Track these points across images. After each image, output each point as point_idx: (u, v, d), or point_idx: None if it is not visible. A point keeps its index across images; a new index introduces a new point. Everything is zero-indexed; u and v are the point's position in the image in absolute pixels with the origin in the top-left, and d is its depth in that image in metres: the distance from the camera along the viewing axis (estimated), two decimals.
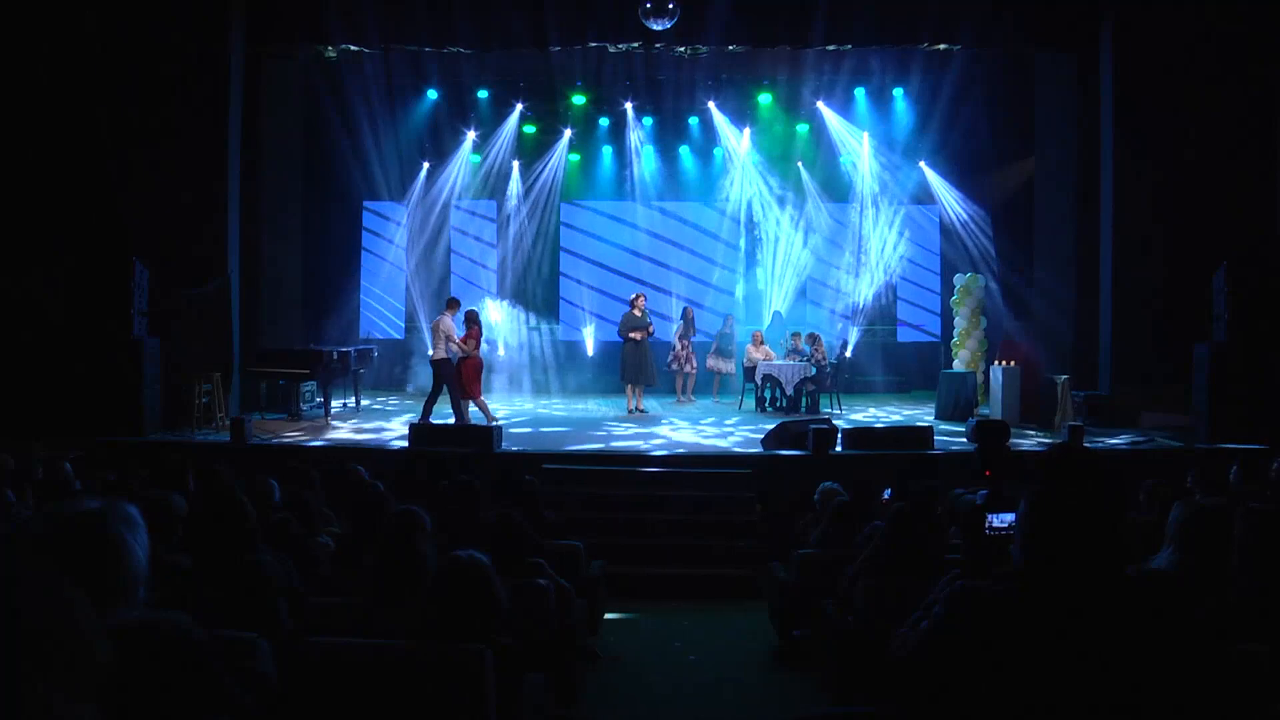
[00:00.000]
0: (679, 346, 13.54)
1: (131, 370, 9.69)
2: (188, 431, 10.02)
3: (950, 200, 15.14)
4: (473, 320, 10.83)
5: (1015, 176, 14.24)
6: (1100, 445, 9.61)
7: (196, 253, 10.98)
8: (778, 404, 12.84)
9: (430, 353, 10.94)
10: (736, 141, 15.64)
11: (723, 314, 14.89)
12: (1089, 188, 12.37)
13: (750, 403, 13.09)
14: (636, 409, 12.32)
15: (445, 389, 10.64)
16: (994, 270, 14.14)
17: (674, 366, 13.59)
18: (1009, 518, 3.24)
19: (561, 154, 15.98)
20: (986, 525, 3.34)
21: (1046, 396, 11.41)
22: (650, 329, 12.55)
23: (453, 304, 11.08)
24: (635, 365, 12.26)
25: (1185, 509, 3.07)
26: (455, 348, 10.66)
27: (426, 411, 10.57)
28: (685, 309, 14.00)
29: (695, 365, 13.67)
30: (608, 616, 6.11)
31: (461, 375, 10.63)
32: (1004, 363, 11.64)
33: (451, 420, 10.49)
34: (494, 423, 10.24)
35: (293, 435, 10.17)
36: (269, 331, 12.99)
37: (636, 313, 12.39)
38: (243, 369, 11.52)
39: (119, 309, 9.79)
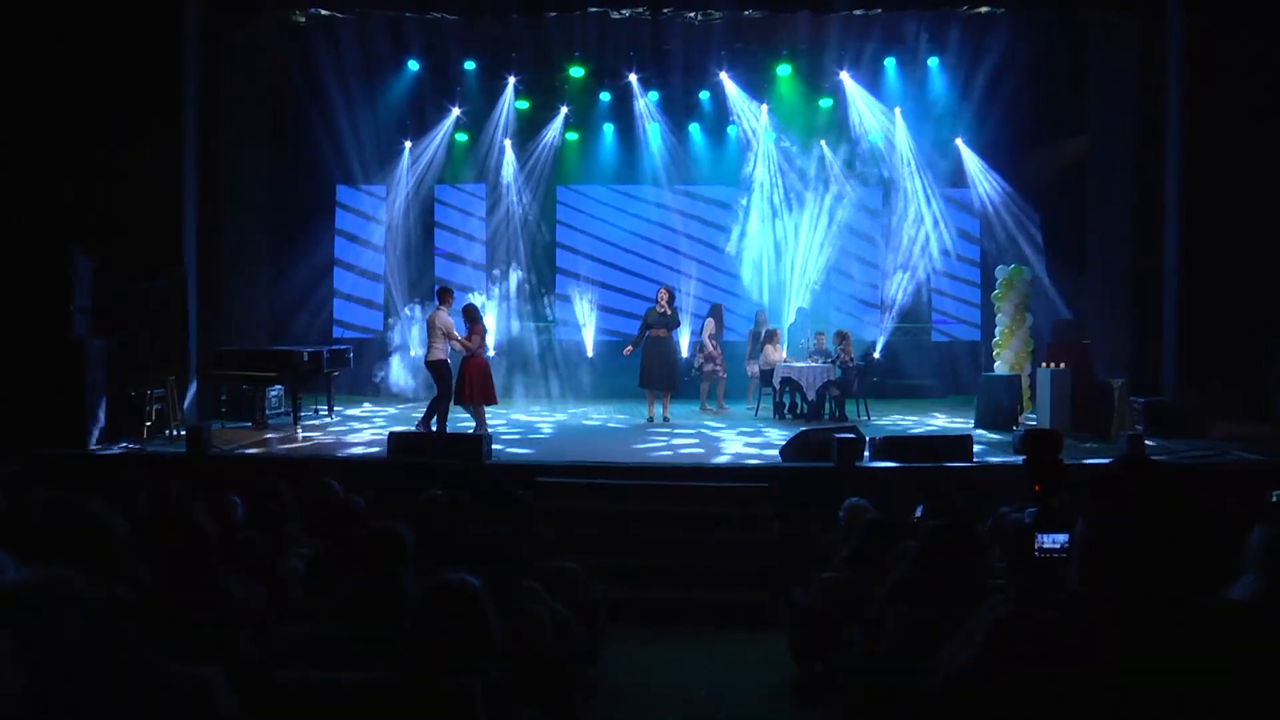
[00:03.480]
0: (710, 347, 13.38)
1: (72, 374, 9.61)
2: (138, 442, 10.02)
3: (990, 183, 15.11)
4: (474, 316, 10.72)
5: (1065, 156, 14.21)
6: (1164, 458, 9.56)
7: (147, 242, 10.88)
8: (798, 410, 12.82)
9: (425, 353, 10.84)
10: (754, 118, 15.64)
11: (750, 312, 14.84)
12: (1151, 168, 12.29)
13: (768, 408, 13.07)
14: (663, 418, 12.24)
15: (451, 393, 10.58)
16: (1040, 261, 14.10)
17: (705, 369, 13.43)
18: (1061, 538, 3.22)
19: (558, 133, 15.98)
20: (1036, 547, 3.32)
21: (1101, 402, 11.34)
22: (677, 323, 12.38)
23: (446, 295, 10.86)
24: (659, 367, 12.11)
25: (1268, 532, 3.04)
26: (458, 346, 10.54)
27: (427, 420, 10.51)
28: (714, 305, 13.89)
29: (724, 368, 13.50)
30: (609, 645, 6.10)
31: (470, 377, 10.49)
32: (1052, 364, 11.60)
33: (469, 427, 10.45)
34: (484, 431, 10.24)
35: (258, 445, 10.17)
36: (230, 330, 12.99)
37: (661, 309, 12.17)
38: (200, 372, 11.53)
39: (57, 305, 9.70)
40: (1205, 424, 10.97)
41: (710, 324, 13.56)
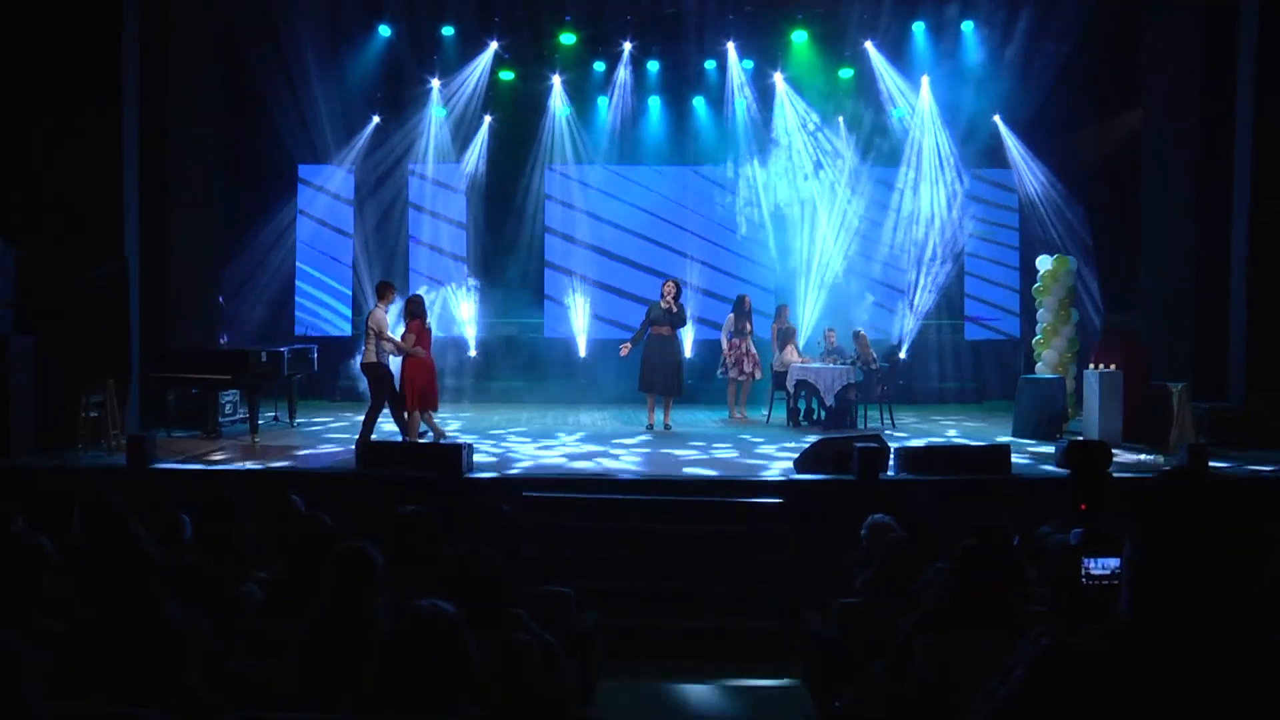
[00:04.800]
0: (740, 344, 13.33)
1: None
2: (72, 453, 9.98)
3: (1031, 164, 15.12)
4: (416, 310, 10.72)
5: (1116, 132, 14.22)
6: (1231, 471, 9.54)
7: (84, 231, 10.83)
8: (814, 416, 12.82)
9: (360, 357, 10.87)
10: (761, 93, 15.68)
11: (766, 306, 14.85)
12: (1217, 145, 12.25)
13: (781, 414, 13.08)
14: (665, 425, 12.25)
15: (387, 401, 10.62)
16: (1088, 250, 14.11)
17: (730, 373, 13.38)
18: (1111, 563, 3.21)
19: (546, 107, 15.99)
20: (1083, 572, 3.31)
21: (1158, 409, 11.33)
22: (683, 320, 12.34)
23: (385, 290, 10.86)
24: (661, 370, 12.08)
25: None
26: (390, 347, 10.58)
27: (365, 430, 10.53)
28: (741, 296, 13.81)
29: (760, 369, 13.44)
30: (604, 680, 6.08)
31: (408, 381, 10.54)
32: (1101, 365, 11.60)
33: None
34: (444, 439, 10.21)
35: (209, 457, 10.15)
36: (179, 328, 12.99)
37: (666, 304, 12.08)
38: (144, 375, 11.49)
39: None
40: (1278, 432, 10.95)
41: (730, 319, 13.52)
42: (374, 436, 10.41)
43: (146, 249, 11.72)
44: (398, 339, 10.63)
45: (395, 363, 10.83)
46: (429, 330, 10.89)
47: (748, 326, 13.50)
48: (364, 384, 11.20)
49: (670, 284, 12.26)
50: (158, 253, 12.34)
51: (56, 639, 3.19)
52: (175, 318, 13.00)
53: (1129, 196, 13.65)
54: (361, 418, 10.73)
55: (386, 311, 10.70)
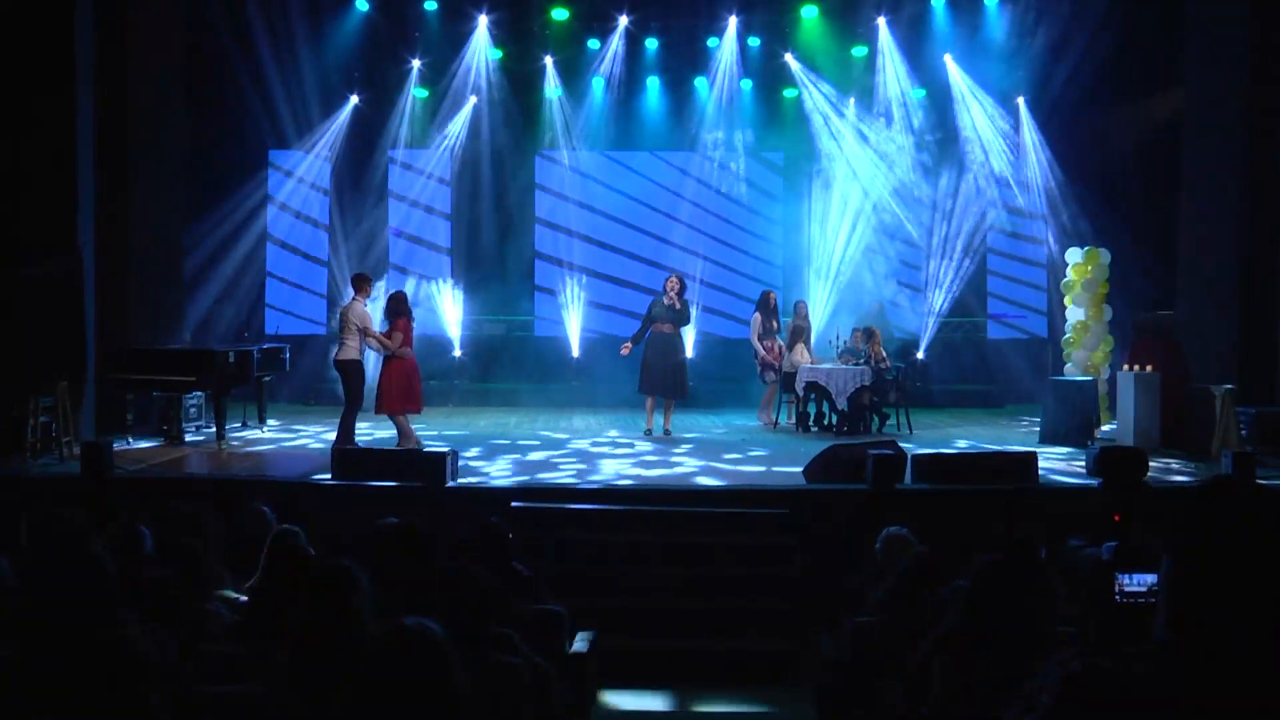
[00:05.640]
0: (772, 345, 13.28)
1: None
2: (20, 462, 9.95)
3: (1058, 148, 15.13)
4: (400, 307, 10.73)
5: (1155, 115, 14.21)
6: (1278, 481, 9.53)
7: (33, 222, 10.81)
8: (825, 421, 12.82)
9: (335, 352, 10.89)
10: (768, 72, 15.72)
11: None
12: (1268, 128, 12.23)
13: (783, 417, 13.09)
14: (665, 430, 12.24)
15: (360, 400, 10.65)
16: (1122, 242, 14.09)
17: (768, 376, 13.40)
18: (1148, 579, 3.21)
19: (538, 88, 16.00)
20: (1116, 589, 3.31)
21: (1199, 413, 11.31)
22: (687, 318, 12.35)
23: (362, 283, 10.89)
24: (662, 370, 12.05)
25: None
26: (375, 344, 10.61)
27: (342, 433, 10.56)
28: (766, 293, 13.77)
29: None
30: (600, 703, 6.08)
31: (391, 382, 10.56)
32: (1137, 366, 11.61)
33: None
34: (419, 446, 10.23)
35: (172, 465, 10.13)
36: (139, 326, 12.96)
37: (668, 301, 12.06)
38: (100, 376, 11.47)
39: None
40: None
41: (757, 319, 13.51)
42: (358, 439, 10.44)
43: (104, 240, 11.70)
44: (382, 336, 10.62)
45: (369, 363, 10.84)
46: (410, 328, 10.92)
47: (775, 325, 13.49)
48: (335, 387, 11.18)
49: (674, 279, 12.27)
50: (117, 244, 12.32)
51: (6, 666, 3.17)
52: (135, 314, 12.95)
53: (1169, 183, 13.65)
54: (380, 419, 10.73)
55: (366, 305, 10.73)
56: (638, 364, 12.26)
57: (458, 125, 16.02)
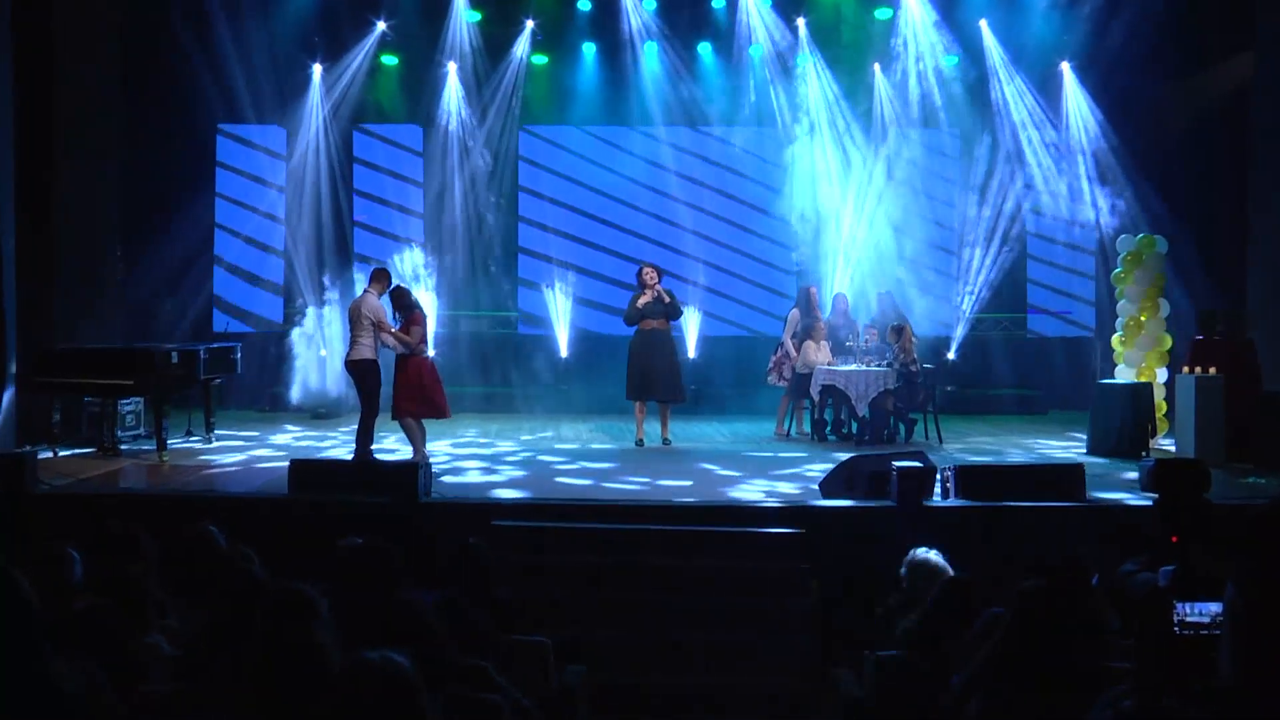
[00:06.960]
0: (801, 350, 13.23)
1: None
2: None
3: (1109, 121, 15.12)
4: (408, 302, 10.79)
5: (1217, 85, 14.19)
6: None
7: None
8: (844, 429, 12.81)
9: (347, 351, 10.91)
10: (781, 37, 15.68)
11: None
12: None
13: (805, 426, 13.12)
14: (664, 440, 12.28)
15: (377, 404, 10.66)
16: (1180, 229, 14.06)
17: (770, 377, 13.48)
18: (1211, 608, 3.18)
19: (522, 55, 16.00)
20: (1175, 619, 3.28)
21: (1270, 422, 11.32)
22: (679, 312, 12.37)
23: (381, 277, 11.01)
24: (654, 372, 12.04)
25: None
26: (391, 341, 10.60)
27: (361, 441, 10.61)
28: (807, 289, 13.74)
29: None
30: None
31: (410, 384, 10.57)
32: (1198, 369, 11.59)
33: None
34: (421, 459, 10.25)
35: (105, 479, 10.13)
36: (69, 323, 12.94)
37: (650, 294, 12.05)
38: (22, 380, 11.47)
39: None
40: None
41: (794, 315, 13.45)
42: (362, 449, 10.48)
43: (27, 228, 11.67)
44: (399, 332, 10.61)
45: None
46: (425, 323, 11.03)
47: (820, 326, 13.43)
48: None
49: (650, 270, 12.21)
50: (41, 235, 12.31)
51: None
52: (62, 309, 12.94)
53: (1234, 164, 13.63)
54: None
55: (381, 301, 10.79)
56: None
57: (432, 96, 16.03)
